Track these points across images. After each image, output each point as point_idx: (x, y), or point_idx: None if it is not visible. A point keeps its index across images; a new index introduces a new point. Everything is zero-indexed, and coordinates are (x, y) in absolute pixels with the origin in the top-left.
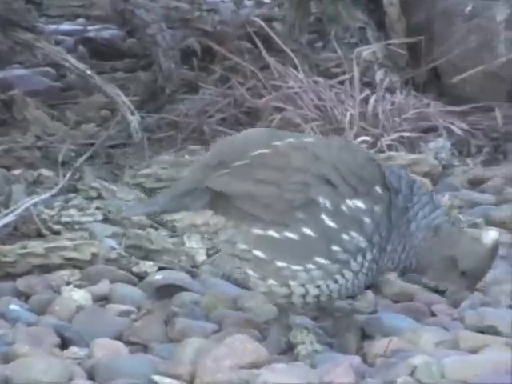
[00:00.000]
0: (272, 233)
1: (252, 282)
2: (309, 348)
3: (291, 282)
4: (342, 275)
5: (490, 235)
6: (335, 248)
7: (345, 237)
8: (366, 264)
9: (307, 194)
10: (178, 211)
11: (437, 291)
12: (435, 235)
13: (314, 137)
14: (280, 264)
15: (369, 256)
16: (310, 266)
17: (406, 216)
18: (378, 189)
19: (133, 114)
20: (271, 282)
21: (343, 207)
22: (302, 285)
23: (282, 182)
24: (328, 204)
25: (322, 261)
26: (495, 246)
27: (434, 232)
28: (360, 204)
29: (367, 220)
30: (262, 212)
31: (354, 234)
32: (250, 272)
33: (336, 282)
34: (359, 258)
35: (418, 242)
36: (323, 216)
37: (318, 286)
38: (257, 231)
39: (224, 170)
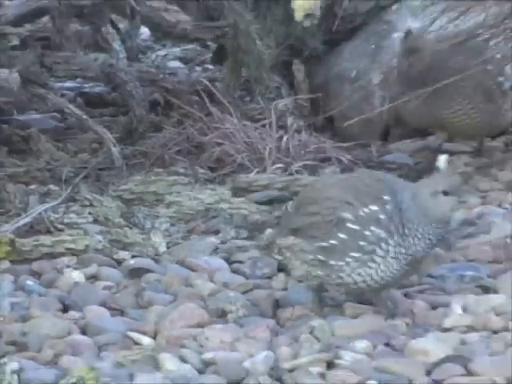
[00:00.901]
0: (323, 243)
1: (324, 279)
2: (235, 315)
3: (341, 274)
4: (373, 261)
5: (442, 159)
6: (362, 243)
7: (367, 233)
8: (391, 249)
9: (336, 214)
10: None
11: None
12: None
13: (346, 175)
14: (332, 262)
15: (391, 242)
16: (349, 259)
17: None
18: (386, 196)
19: (115, 146)
20: (333, 276)
21: (361, 213)
22: (348, 275)
23: (321, 210)
24: (349, 216)
25: (356, 254)
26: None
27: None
28: (374, 207)
29: (382, 216)
30: (317, 232)
31: (373, 228)
32: (320, 273)
33: (370, 267)
34: (384, 246)
35: (412, 213)
36: (348, 224)
37: (359, 274)
38: (316, 244)
39: (299, 212)
